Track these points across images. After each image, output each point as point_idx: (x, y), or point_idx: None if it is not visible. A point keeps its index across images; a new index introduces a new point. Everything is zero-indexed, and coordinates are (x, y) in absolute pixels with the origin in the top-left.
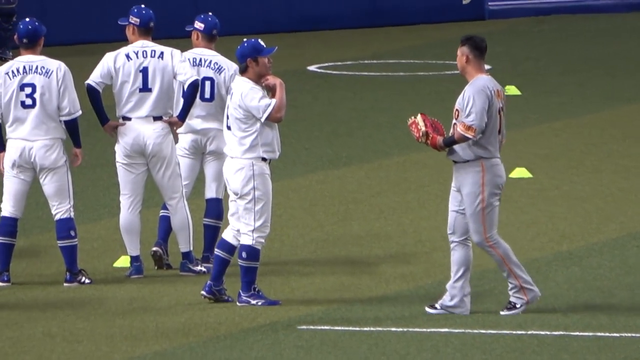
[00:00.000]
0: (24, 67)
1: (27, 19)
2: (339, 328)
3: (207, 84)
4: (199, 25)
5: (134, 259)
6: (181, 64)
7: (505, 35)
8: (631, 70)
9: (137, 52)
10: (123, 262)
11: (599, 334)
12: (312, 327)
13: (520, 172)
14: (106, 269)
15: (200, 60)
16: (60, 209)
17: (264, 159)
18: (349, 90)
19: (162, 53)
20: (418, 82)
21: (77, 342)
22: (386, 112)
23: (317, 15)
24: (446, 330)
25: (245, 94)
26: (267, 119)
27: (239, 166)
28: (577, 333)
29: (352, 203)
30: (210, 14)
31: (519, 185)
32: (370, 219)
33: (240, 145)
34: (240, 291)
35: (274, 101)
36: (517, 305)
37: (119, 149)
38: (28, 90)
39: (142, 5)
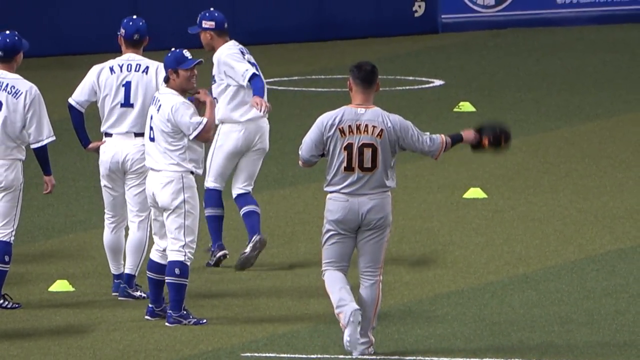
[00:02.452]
0: None
1: (7, 32)
2: (285, 355)
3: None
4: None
5: (116, 277)
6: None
7: (459, 49)
8: (589, 86)
9: (122, 65)
10: (59, 286)
11: None
12: (256, 354)
13: (474, 193)
14: (41, 293)
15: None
16: (2, 232)
17: (191, 173)
18: (296, 107)
19: (147, 67)
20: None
21: None
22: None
23: (263, 29)
24: (397, 357)
25: (175, 108)
26: (195, 137)
27: (167, 179)
28: None
29: (299, 224)
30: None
31: (473, 205)
32: (318, 240)
33: (167, 158)
34: (171, 311)
35: (204, 120)
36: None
37: (100, 169)
38: None
39: (134, 16)
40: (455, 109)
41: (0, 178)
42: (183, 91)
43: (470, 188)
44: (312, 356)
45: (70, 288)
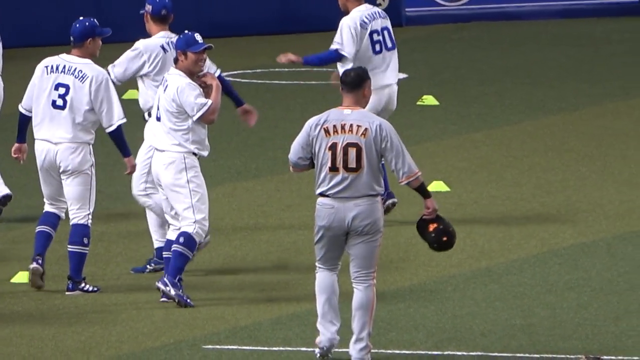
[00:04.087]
0: (64, 67)
1: (82, 18)
2: (247, 348)
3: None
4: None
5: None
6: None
7: (423, 43)
8: (553, 80)
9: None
10: (20, 277)
11: (518, 354)
12: (218, 346)
13: (437, 186)
14: (2, 284)
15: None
16: (79, 214)
17: (194, 154)
18: (259, 99)
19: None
20: (330, 91)
21: None
22: (298, 122)
23: (227, 22)
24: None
25: (181, 88)
26: (199, 118)
27: (170, 159)
28: (496, 354)
29: (262, 217)
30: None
31: (436, 199)
32: (280, 233)
33: (170, 138)
34: (167, 274)
35: (209, 102)
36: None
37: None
38: (62, 90)
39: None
40: (418, 102)
41: (67, 162)
42: (191, 73)
43: (434, 181)
44: (274, 348)
45: None
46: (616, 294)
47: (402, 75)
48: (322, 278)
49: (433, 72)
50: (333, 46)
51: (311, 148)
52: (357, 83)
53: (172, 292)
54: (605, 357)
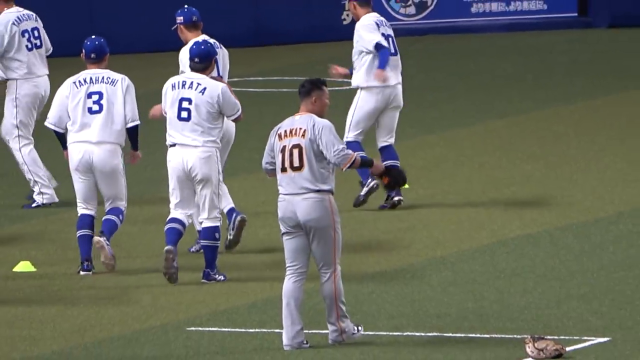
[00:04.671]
0: (91, 78)
1: (93, 37)
2: (226, 329)
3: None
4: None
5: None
6: None
7: None
8: (500, 87)
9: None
10: (22, 267)
11: (470, 335)
12: (200, 328)
13: None
14: (6, 273)
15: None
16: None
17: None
18: None
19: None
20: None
21: None
22: (270, 125)
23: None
24: (326, 331)
25: (224, 91)
26: (235, 118)
27: (206, 154)
28: (450, 334)
29: (241, 211)
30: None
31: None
32: (256, 226)
33: (206, 135)
34: (209, 270)
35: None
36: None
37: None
38: (95, 97)
39: (185, 6)
40: None
41: (103, 163)
42: (215, 79)
43: None
44: (250, 330)
45: (33, 269)
46: (558, 280)
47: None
48: (286, 283)
49: None
50: (371, 46)
51: (273, 153)
52: (306, 92)
53: (222, 279)
54: (548, 337)
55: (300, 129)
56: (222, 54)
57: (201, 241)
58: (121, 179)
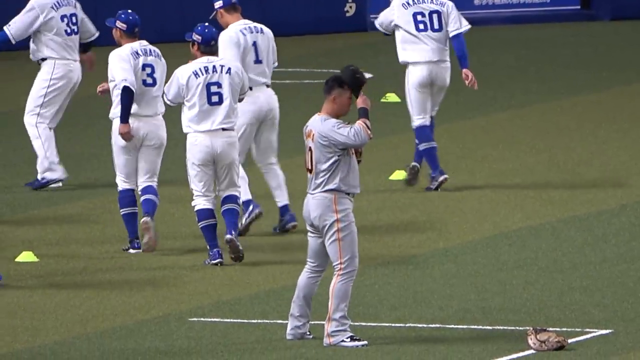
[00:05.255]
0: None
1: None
2: (228, 320)
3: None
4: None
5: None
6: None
7: (386, 46)
8: (503, 80)
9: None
10: (24, 257)
11: (472, 326)
12: (202, 319)
13: (399, 174)
14: (8, 263)
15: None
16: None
17: None
18: None
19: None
20: (304, 89)
21: None
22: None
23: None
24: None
25: (241, 70)
26: (241, 98)
27: (234, 138)
28: (453, 326)
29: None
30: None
31: (398, 186)
32: (260, 219)
33: (234, 117)
34: (233, 231)
35: None
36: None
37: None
38: (148, 70)
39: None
40: (382, 99)
41: (153, 134)
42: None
43: (396, 170)
44: (253, 321)
45: (35, 259)
46: (560, 272)
47: (368, 75)
48: (301, 275)
49: (395, 72)
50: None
51: None
52: (327, 89)
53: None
54: (550, 329)
55: (311, 131)
56: (267, 38)
57: (229, 205)
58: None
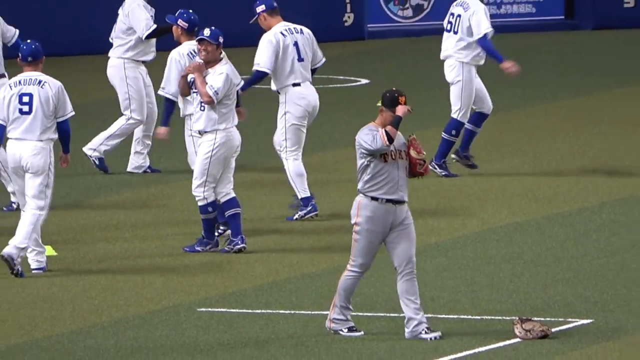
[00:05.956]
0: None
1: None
2: (234, 310)
3: None
4: None
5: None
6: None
7: (382, 54)
8: (490, 85)
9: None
10: (47, 251)
11: (462, 316)
12: (210, 309)
13: None
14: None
15: None
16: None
17: None
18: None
19: None
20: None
21: (2, 321)
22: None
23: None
24: (325, 312)
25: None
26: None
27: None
28: (444, 316)
29: (244, 204)
30: None
31: None
32: (262, 214)
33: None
34: (238, 235)
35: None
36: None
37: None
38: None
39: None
40: (377, 104)
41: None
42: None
43: None
44: (257, 311)
45: (54, 252)
46: (544, 266)
47: (365, 81)
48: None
49: (391, 78)
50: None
51: None
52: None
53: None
54: (535, 319)
55: (355, 140)
56: (307, 38)
57: (232, 210)
58: None
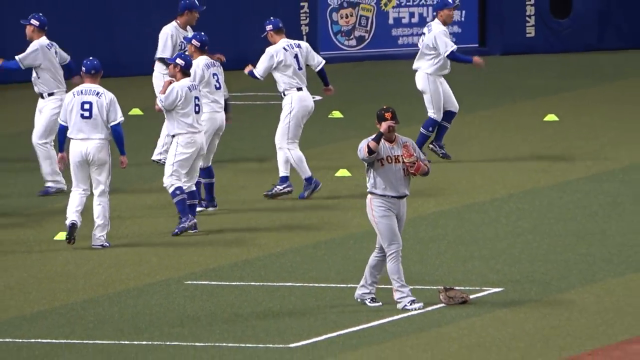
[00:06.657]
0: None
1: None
2: (215, 283)
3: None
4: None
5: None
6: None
7: (332, 75)
8: (418, 100)
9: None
10: (61, 236)
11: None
12: (195, 282)
13: (342, 172)
14: (48, 241)
15: None
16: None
17: None
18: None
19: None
20: (274, 110)
21: (27, 292)
22: (247, 131)
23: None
24: (290, 284)
25: None
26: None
27: None
28: (383, 286)
29: (223, 194)
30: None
31: (340, 182)
32: (238, 205)
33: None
34: (192, 216)
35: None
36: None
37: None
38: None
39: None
40: (329, 116)
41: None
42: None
43: (340, 169)
44: (233, 283)
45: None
46: (464, 245)
47: (318, 98)
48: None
49: (339, 94)
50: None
51: None
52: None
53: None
54: (457, 288)
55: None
56: (304, 50)
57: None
58: None
